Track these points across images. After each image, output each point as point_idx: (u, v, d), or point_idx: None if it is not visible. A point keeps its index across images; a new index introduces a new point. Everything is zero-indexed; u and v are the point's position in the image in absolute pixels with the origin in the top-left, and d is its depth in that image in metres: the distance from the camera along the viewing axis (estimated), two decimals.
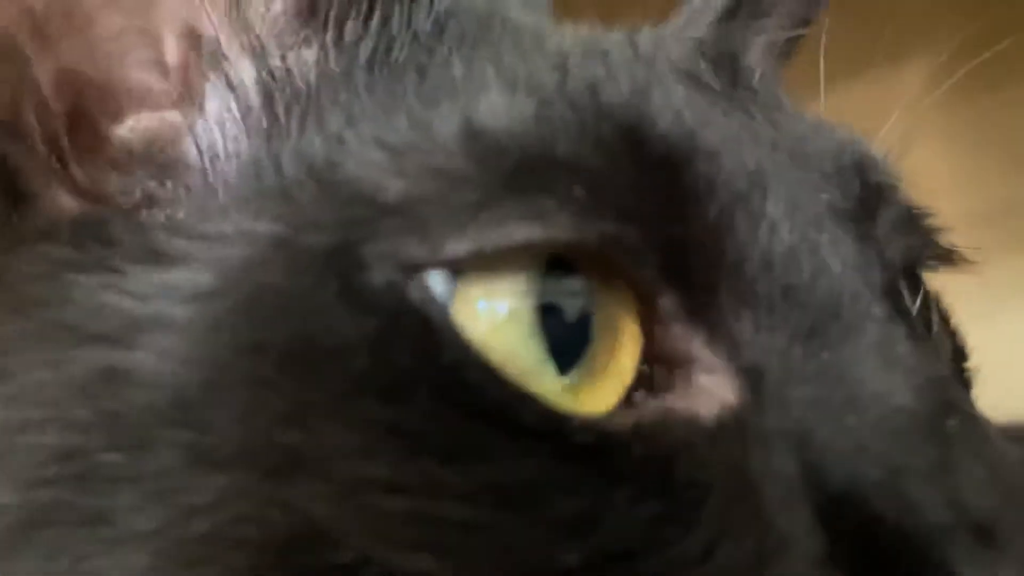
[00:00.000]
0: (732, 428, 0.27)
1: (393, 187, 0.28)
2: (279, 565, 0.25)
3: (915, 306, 0.35)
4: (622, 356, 0.27)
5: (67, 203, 0.30)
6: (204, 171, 0.30)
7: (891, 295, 0.31)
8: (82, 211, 0.30)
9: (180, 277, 0.27)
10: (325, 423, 0.25)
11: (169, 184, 0.30)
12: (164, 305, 0.27)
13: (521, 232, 0.27)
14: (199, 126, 0.30)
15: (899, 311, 0.31)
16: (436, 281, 0.26)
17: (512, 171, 0.28)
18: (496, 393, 0.26)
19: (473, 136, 0.28)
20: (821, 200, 0.32)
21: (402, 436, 0.25)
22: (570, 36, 0.34)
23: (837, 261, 0.30)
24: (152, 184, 0.30)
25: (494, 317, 0.27)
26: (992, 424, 0.30)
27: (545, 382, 0.26)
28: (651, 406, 0.27)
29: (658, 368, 0.28)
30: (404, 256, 0.26)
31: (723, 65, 0.34)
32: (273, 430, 0.25)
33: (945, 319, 0.39)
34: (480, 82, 0.30)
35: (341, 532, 0.24)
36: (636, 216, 0.28)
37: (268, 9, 0.31)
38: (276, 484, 0.25)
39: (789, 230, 0.30)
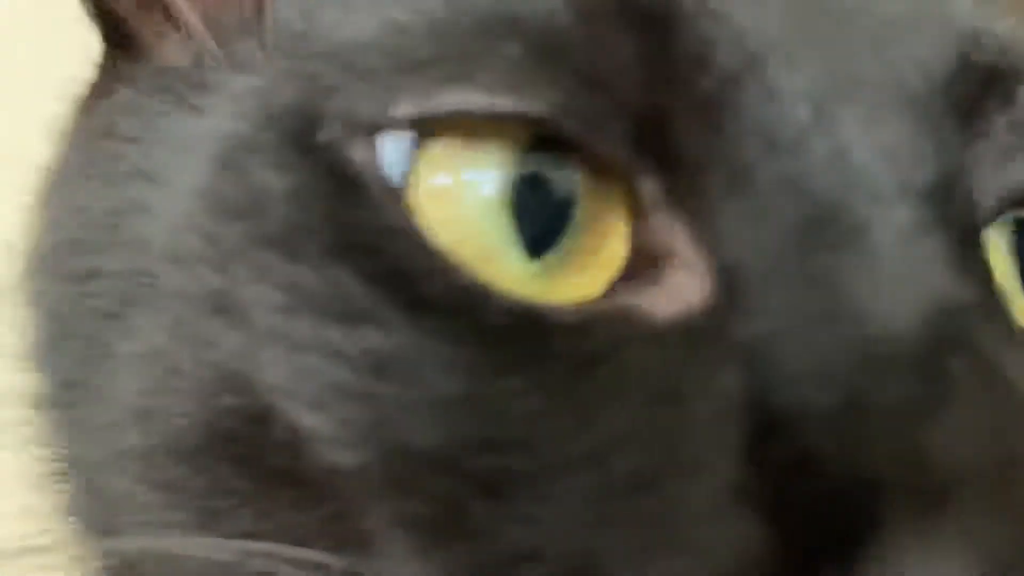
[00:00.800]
0: (683, 332, 0.24)
1: (357, 42, 0.27)
2: (206, 404, 0.26)
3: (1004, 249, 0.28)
4: (606, 245, 0.25)
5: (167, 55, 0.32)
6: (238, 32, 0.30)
7: (937, 201, 0.25)
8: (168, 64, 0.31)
9: (204, 126, 0.29)
10: (244, 272, 0.26)
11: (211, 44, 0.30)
12: (184, 157, 0.28)
13: (454, 98, 0.25)
14: None
15: (942, 220, 0.25)
16: (392, 145, 0.25)
17: (468, 30, 0.26)
18: (424, 270, 0.24)
19: None
20: (879, 77, 0.26)
21: (308, 296, 0.25)
22: None
23: (865, 148, 0.25)
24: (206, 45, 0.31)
25: (455, 191, 0.25)
26: None
27: (508, 263, 0.25)
28: (611, 301, 0.25)
29: (640, 260, 0.25)
30: (353, 114, 0.26)
31: None
32: (207, 275, 0.26)
33: None
34: None
35: (252, 380, 0.25)
36: (609, 84, 0.25)
37: None
38: (207, 324, 0.26)
39: (809, 107, 0.25)
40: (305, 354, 0.24)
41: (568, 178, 0.25)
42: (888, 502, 0.21)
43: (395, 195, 0.25)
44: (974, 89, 0.28)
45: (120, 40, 0.34)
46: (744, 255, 0.24)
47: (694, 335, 0.24)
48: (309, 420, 0.24)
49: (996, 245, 0.28)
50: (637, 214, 0.25)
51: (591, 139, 0.25)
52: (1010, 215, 0.28)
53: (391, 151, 0.25)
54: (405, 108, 0.25)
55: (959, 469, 0.21)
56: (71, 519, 0.32)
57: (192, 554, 0.26)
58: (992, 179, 0.28)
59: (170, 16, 0.32)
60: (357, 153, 0.25)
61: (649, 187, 0.25)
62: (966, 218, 0.26)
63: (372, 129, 0.25)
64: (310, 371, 0.24)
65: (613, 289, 0.25)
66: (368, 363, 0.24)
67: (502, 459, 0.23)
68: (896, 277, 0.23)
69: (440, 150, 0.25)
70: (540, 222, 0.25)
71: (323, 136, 0.26)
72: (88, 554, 0.31)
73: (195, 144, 0.28)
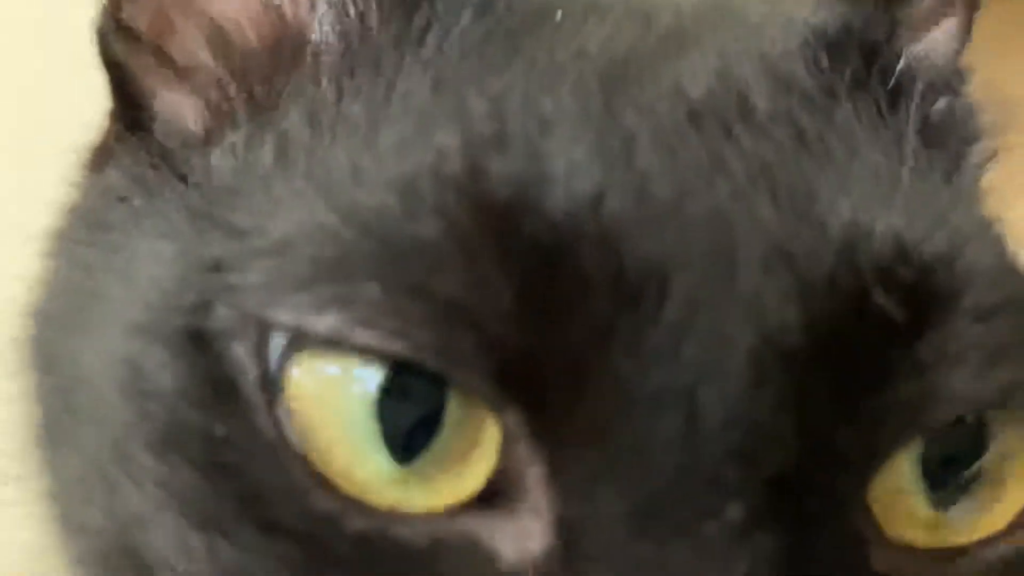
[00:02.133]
0: None
1: (275, 230, 0.28)
2: (113, 545, 0.29)
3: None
4: (477, 456, 0.26)
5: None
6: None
7: (782, 489, 0.25)
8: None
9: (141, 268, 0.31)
10: (134, 448, 0.28)
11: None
12: (122, 288, 0.31)
13: (323, 324, 0.26)
14: None
15: (781, 513, 0.25)
16: (275, 341, 0.26)
17: (344, 258, 0.26)
18: (276, 474, 0.26)
19: (352, 205, 0.27)
20: (753, 340, 0.25)
21: (177, 497, 0.27)
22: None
23: (718, 429, 0.24)
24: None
25: (327, 395, 0.26)
26: None
27: (370, 465, 0.26)
28: (461, 523, 0.25)
29: (501, 484, 0.26)
30: (241, 309, 0.27)
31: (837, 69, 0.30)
32: (112, 428, 0.29)
33: None
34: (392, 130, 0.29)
35: (139, 545, 0.28)
36: (481, 322, 0.25)
37: None
38: (113, 472, 0.29)
39: (672, 370, 0.25)
40: (176, 544, 0.27)
41: (437, 392, 0.26)
42: None
43: (269, 396, 0.26)
44: (870, 335, 0.26)
45: (126, 99, 0.35)
46: (585, 518, 0.25)
47: None
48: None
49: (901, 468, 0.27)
50: (505, 434, 0.26)
51: (455, 374, 0.25)
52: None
53: (272, 351, 0.26)
54: (285, 316, 0.26)
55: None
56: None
57: None
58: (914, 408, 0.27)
59: (177, 77, 0.34)
60: (238, 350, 0.26)
61: (512, 420, 0.25)
62: (820, 501, 0.25)
63: (257, 328, 0.26)
64: (178, 562, 0.27)
65: (472, 506, 0.26)
66: (223, 571, 0.26)
67: None
68: None
69: (317, 354, 0.26)
70: (407, 429, 0.26)
71: (212, 329, 0.27)
72: None
73: (129, 282, 0.30)
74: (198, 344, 0.27)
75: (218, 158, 0.31)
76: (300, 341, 0.26)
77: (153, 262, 0.30)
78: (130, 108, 0.35)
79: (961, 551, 0.27)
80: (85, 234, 0.35)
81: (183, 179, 0.32)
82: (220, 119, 0.33)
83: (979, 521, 0.27)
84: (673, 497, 0.24)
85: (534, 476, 0.25)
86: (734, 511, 0.24)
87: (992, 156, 0.36)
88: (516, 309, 0.25)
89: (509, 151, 0.27)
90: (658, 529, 0.24)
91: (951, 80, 0.36)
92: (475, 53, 0.30)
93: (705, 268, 0.26)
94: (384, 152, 0.28)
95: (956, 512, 0.27)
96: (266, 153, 0.30)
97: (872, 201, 0.28)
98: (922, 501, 0.27)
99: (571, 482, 0.25)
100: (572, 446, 0.25)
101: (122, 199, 0.33)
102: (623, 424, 0.25)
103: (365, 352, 0.26)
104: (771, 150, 0.28)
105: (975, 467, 0.27)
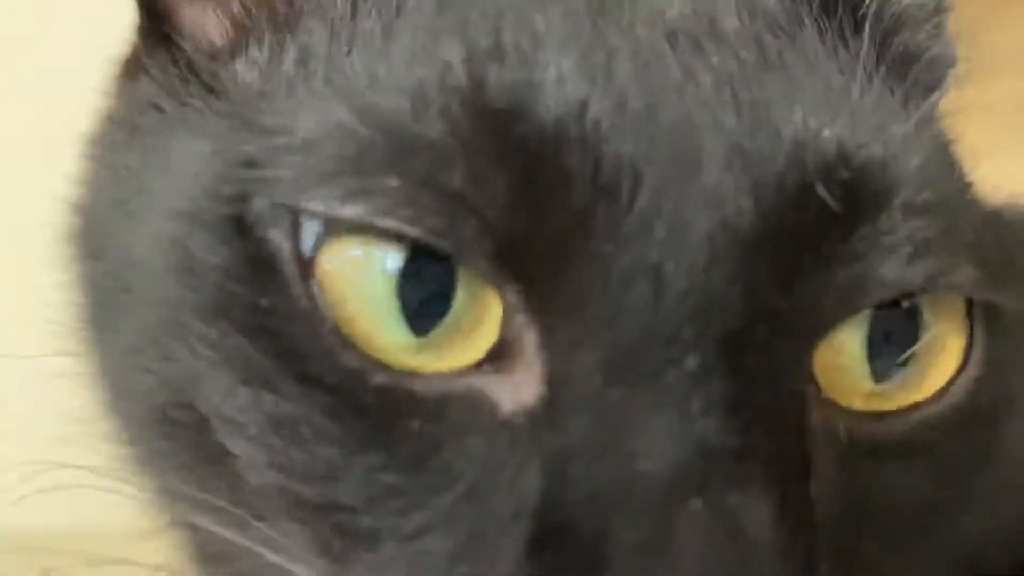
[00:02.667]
0: (514, 429, 0.29)
1: (300, 129, 0.32)
2: (170, 402, 0.33)
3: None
4: (483, 328, 0.30)
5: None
6: None
7: (733, 347, 0.29)
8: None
9: (183, 161, 0.35)
10: (188, 316, 0.32)
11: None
12: (166, 180, 0.35)
13: (350, 212, 0.30)
14: None
15: (732, 367, 0.29)
16: (309, 227, 0.30)
17: (364, 154, 0.30)
18: (313, 339, 0.30)
19: (368, 107, 0.31)
20: (709, 223, 0.29)
21: (227, 357, 0.31)
22: None
23: (677, 294, 0.29)
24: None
25: (355, 273, 0.30)
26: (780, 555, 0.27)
27: (391, 335, 0.30)
28: (468, 381, 0.30)
29: (501, 350, 0.30)
30: (277, 200, 0.31)
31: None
32: (166, 303, 0.33)
33: None
34: (407, 43, 0.32)
35: (194, 400, 0.32)
36: (480, 210, 0.29)
37: None
38: (166, 342, 0.33)
39: (639, 251, 0.29)
40: (227, 397, 0.31)
41: (448, 275, 0.30)
42: None
43: (303, 274, 0.30)
44: (813, 224, 0.30)
45: (152, 14, 0.39)
46: (569, 373, 0.29)
47: (518, 435, 0.29)
48: (231, 444, 0.31)
49: (848, 339, 0.32)
50: (506, 308, 0.30)
51: (461, 255, 0.30)
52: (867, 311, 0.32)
53: (305, 235, 0.30)
54: (316, 205, 0.30)
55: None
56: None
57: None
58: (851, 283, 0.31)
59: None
60: (275, 234, 0.31)
61: (510, 295, 0.30)
62: (764, 359, 0.29)
63: (290, 215, 0.31)
64: (230, 412, 0.31)
65: (477, 368, 0.30)
66: (267, 421, 0.30)
67: (355, 519, 0.30)
68: (670, 421, 0.28)
69: (344, 238, 0.30)
70: (422, 306, 0.30)
71: (250, 216, 0.31)
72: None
73: (170, 178, 0.34)
74: (239, 229, 0.31)
75: (243, 68, 0.35)
76: (329, 227, 0.30)
77: (191, 160, 0.34)
78: (156, 22, 0.38)
79: (891, 413, 0.32)
80: (123, 138, 0.38)
81: (210, 89, 0.36)
82: (243, 33, 0.36)
83: (909, 392, 0.32)
84: (641, 352, 0.29)
85: (529, 341, 0.30)
86: (691, 362, 0.28)
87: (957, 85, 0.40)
88: (510, 200, 0.29)
89: (505, 63, 0.31)
90: (628, 377, 0.28)
91: (924, 15, 0.39)
92: None
93: (673, 165, 0.30)
94: (396, 62, 0.32)
95: (890, 385, 0.32)
96: (288, 63, 0.34)
97: (822, 112, 0.32)
98: (865, 377, 0.32)
99: (559, 344, 0.29)
100: (560, 315, 0.29)
101: (155, 106, 0.37)
102: (602, 294, 0.29)
103: (386, 236, 0.30)
104: (736, 66, 0.33)
105: (910, 351, 0.32)
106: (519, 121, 0.30)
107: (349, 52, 0.33)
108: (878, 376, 0.32)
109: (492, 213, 0.29)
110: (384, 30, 0.33)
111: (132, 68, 0.40)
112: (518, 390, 0.30)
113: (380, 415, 0.30)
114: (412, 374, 0.30)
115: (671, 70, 0.32)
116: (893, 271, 0.31)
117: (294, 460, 0.30)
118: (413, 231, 0.29)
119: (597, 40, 0.32)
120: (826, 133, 0.31)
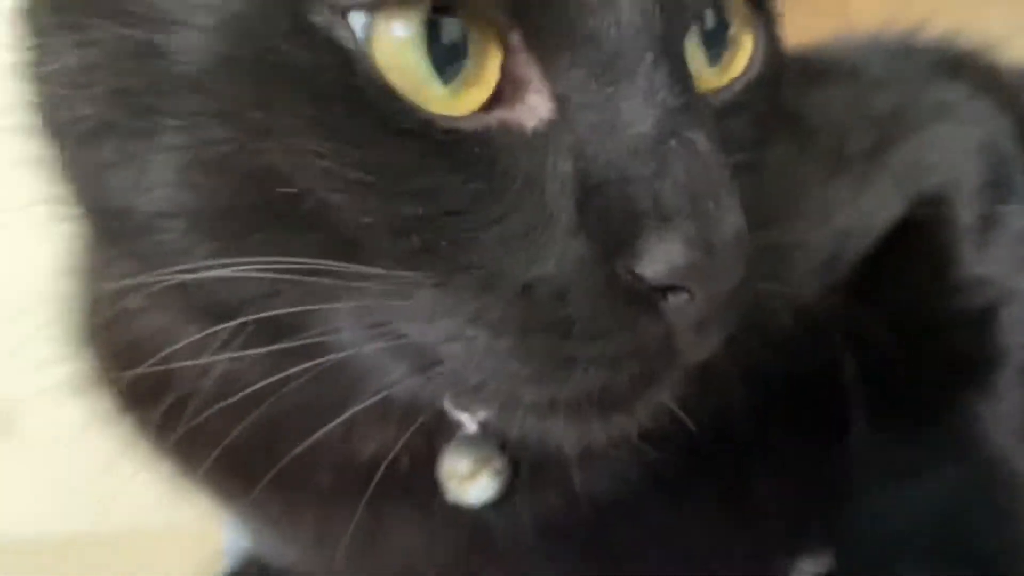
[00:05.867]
0: (540, 138, 0.38)
1: None
2: (251, 188, 0.38)
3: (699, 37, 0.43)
4: (487, 73, 0.38)
5: None
6: None
7: (665, 44, 0.38)
8: None
9: None
10: (279, 112, 0.37)
11: None
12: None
13: None
14: None
15: (667, 55, 0.38)
16: (356, 20, 0.36)
17: None
18: (386, 103, 0.37)
19: None
20: None
21: (326, 127, 0.37)
22: None
23: (632, 15, 0.38)
24: None
25: (396, 44, 0.37)
26: (714, 154, 0.38)
27: (431, 89, 0.37)
28: (495, 115, 0.38)
29: (508, 86, 0.38)
30: (334, 2, 0.36)
31: None
32: (249, 110, 0.37)
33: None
34: None
35: (290, 175, 0.37)
36: None
37: None
38: (252, 140, 0.37)
39: None
40: (323, 161, 0.37)
41: (461, 29, 0.37)
42: (645, 215, 0.37)
43: (363, 54, 0.36)
44: None
45: None
46: (569, 87, 0.38)
47: (544, 140, 0.38)
48: (334, 199, 0.37)
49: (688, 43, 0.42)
50: (507, 53, 0.38)
51: (474, 7, 0.37)
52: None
53: (357, 25, 0.36)
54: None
55: (679, 198, 0.37)
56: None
57: (231, 275, 0.39)
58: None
59: None
60: (338, 30, 0.36)
61: (515, 37, 0.37)
62: (678, 50, 0.40)
63: (345, 11, 0.36)
64: (329, 172, 0.37)
65: (492, 106, 0.38)
66: (362, 168, 0.37)
67: (439, 229, 0.38)
68: (645, 98, 0.38)
69: (383, 20, 0.36)
70: (446, 60, 0.37)
71: (315, 17, 0.36)
72: None
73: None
74: (304, 30, 0.36)
75: None
76: (373, 10, 0.36)
77: None
78: None
79: (726, 87, 0.45)
80: None
81: None
82: None
83: (731, 71, 0.45)
84: (617, 60, 0.38)
85: (534, 75, 0.38)
86: (648, 58, 0.38)
87: None
88: None
89: None
90: (612, 78, 0.38)
91: None
92: None
93: None
94: None
95: (719, 67, 0.44)
96: None
97: None
98: (706, 64, 0.44)
99: (557, 70, 0.38)
100: (554, 48, 0.38)
101: None
102: (583, 27, 0.38)
103: (416, 4, 0.36)
104: None
105: (725, 38, 0.44)
106: None
107: None
108: (711, 62, 0.44)
109: None
110: None
111: None
112: (535, 111, 0.38)
113: (450, 149, 0.37)
114: (456, 119, 0.37)
115: None
116: None
117: (389, 193, 0.37)
118: None
119: None
120: None
